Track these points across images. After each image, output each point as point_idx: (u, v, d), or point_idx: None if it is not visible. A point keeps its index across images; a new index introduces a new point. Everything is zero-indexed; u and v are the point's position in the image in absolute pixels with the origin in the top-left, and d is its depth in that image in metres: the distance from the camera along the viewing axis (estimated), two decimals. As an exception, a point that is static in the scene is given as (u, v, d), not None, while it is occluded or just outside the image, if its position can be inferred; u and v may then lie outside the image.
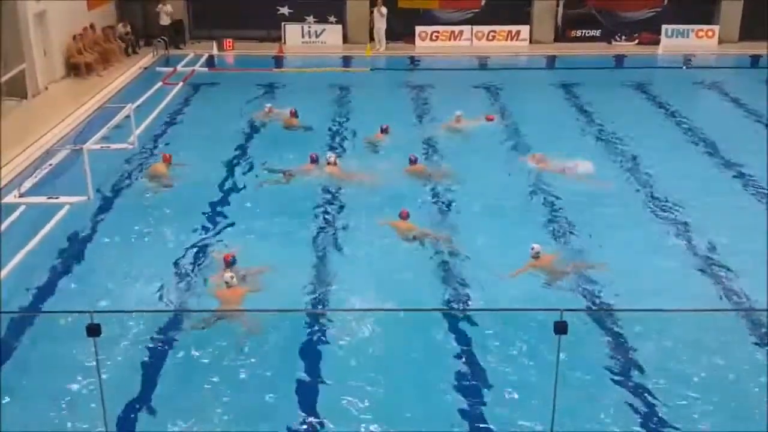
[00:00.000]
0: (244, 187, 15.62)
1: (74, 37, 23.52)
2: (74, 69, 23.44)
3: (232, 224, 13.98)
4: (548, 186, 15.47)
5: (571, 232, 13.61)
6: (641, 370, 9.91)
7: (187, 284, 11.97)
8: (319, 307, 11.37)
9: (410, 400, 9.42)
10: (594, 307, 11.32)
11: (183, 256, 12.77)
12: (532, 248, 12.22)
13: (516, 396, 9.44)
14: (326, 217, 14.29)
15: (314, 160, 16.08)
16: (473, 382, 9.73)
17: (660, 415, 9.17)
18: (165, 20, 27.34)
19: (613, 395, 9.50)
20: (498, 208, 14.59)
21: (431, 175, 15.95)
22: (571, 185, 15.36)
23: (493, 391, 9.56)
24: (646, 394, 9.49)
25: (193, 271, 12.36)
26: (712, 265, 12.57)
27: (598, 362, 10.06)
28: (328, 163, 15.90)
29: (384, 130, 18.16)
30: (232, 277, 11.17)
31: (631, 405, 9.33)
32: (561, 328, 7.19)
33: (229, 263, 11.81)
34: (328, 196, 15.09)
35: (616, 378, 9.80)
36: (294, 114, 19.13)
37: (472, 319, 10.89)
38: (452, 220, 14.19)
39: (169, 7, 27.30)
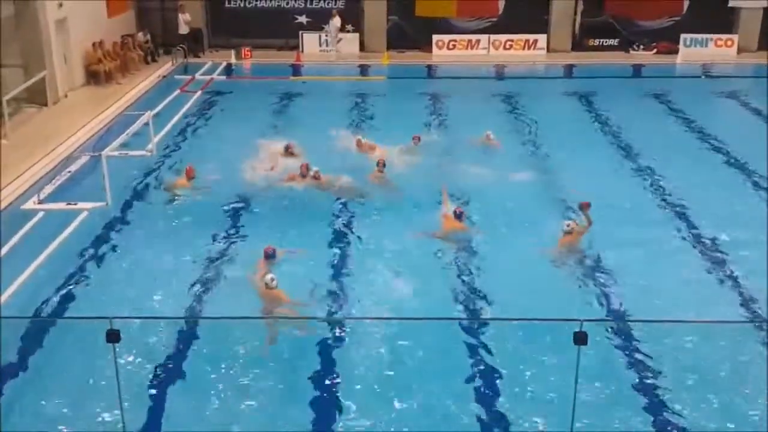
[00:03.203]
0: (262, 194, 15.61)
1: (94, 45, 23.70)
2: (94, 76, 23.62)
3: (250, 230, 14.00)
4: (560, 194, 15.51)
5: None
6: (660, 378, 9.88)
7: (205, 289, 12.01)
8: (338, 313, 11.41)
9: (427, 405, 9.43)
10: (614, 317, 11.28)
11: (201, 262, 12.82)
12: (567, 224, 13.22)
13: (535, 402, 9.43)
14: (349, 224, 14.37)
15: (304, 174, 15.82)
16: (492, 388, 9.73)
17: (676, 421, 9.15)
18: (184, 29, 27.51)
19: (631, 402, 9.46)
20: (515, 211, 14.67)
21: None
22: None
23: (513, 396, 9.55)
24: (665, 403, 9.45)
25: (211, 276, 12.40)
26: (729, 274, 12.49)
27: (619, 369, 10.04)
28: (314, 177, 15.69)
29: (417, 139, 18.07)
30: (272, 279, 11.27)
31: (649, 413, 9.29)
32: (581, 338, 7.14)
33: (269, 255, 12.23)
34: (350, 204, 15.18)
35: (636, 385, 9.77)
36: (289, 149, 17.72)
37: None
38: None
39: (187, 16, 27.48)
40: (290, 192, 15.56)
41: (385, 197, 15.37)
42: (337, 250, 13.34)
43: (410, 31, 28.97)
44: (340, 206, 15.07)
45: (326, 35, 28.23)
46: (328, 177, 15.89)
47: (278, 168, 16.58)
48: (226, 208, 14.88)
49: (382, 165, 16.19)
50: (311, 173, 15.81)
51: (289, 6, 28.87)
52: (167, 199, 15.54)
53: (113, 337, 7.08)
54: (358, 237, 13.83)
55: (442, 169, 16.76)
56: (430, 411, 9.34)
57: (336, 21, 27.85)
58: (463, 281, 12.30)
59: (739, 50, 28.44)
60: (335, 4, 28.71)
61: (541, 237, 13.56)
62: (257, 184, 16.05)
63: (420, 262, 12.85)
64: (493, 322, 11.07)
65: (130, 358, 10.06)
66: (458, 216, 13.87)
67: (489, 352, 10.42)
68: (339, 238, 13.83)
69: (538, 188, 16.06)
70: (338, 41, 28.28)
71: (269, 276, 11.33)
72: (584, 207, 13.64)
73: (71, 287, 12.09)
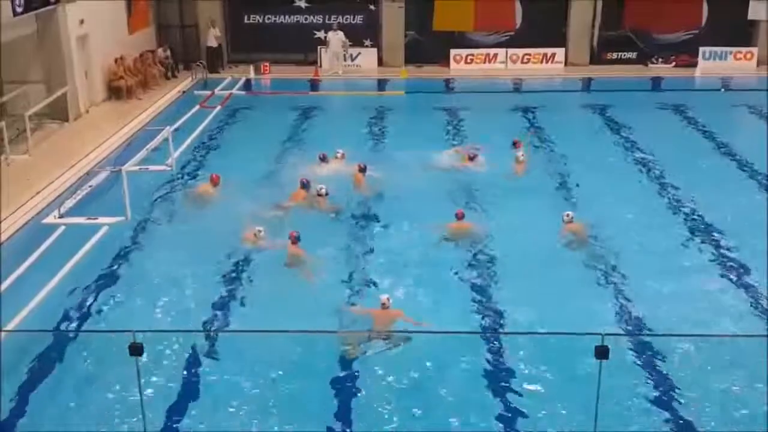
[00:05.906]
0: (280, 211, 15.61)
1: (115, 61, 23.93)
2: (115, 92, 23.82)
3: (269, 246, 14.02)
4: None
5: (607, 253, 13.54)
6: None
7: (225, 302, 12.08)
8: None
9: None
10: (635, 330, 11.23)
11: (220, 276, 12.88)
12: (567, 214, 13.94)
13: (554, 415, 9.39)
14: (370, 233, 14.59)
15: (304, 185, 15.76)
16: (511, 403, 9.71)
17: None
18: (213, 42, 27.74)
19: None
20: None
21: None
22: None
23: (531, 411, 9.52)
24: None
25: (232, 289, 12.47)
26: (751, 288, 12.39)
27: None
28: (319, 195, 15.57)
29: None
30: (388, 299, 11.31)
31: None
32: (602, 352, 7.09)
33: (295, 239, 13.09)
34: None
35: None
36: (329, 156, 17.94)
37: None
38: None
39: (217, 31, 27.77)
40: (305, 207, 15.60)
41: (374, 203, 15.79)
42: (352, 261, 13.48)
43: (428, 46, 29.04)
44: (345, 220, 15.17)
45: (326, 50, 28.13)
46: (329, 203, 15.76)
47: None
48: (243, 221, 14.89)
49: (363, 169, 16.63)
50: (320, 189, 15.71)
51: (308, 21, 29.01)
52: (185, 208, 15.66)
53: (136, 350, 7.12)
54: (369, 249, 14.00)
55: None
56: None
57: (340, 35, 27.74)
58: (477, 285, 12.52)
59: (759, 63, 28.27)
60: (353, 20, 28.84)
61: (553, 241, 13.77)
62: (275, 199, 16.09)
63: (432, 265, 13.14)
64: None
65: (155, 372, 10.11)
66: (459, 218, 14.19)
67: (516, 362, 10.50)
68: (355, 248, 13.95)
69: (555, 199, 16.04)
70: (352, 57, 28.35)
71: (385, 296, 11.36)
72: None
73: (93, 301, 12.16)
